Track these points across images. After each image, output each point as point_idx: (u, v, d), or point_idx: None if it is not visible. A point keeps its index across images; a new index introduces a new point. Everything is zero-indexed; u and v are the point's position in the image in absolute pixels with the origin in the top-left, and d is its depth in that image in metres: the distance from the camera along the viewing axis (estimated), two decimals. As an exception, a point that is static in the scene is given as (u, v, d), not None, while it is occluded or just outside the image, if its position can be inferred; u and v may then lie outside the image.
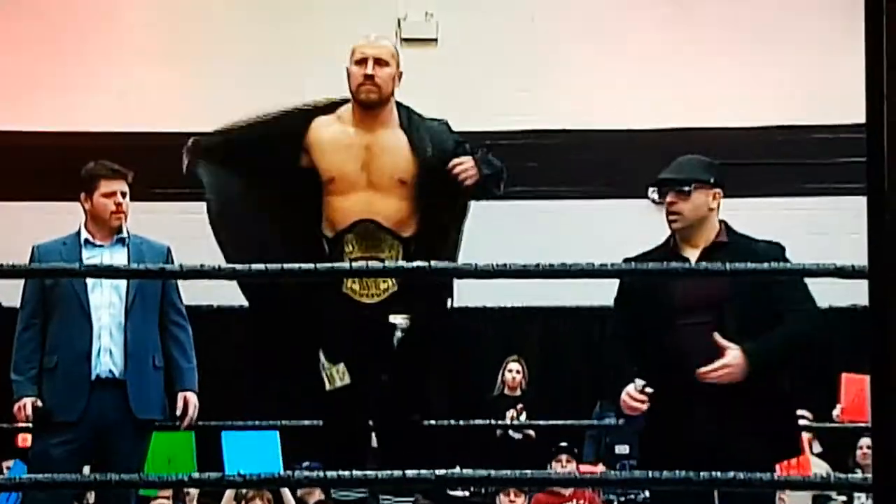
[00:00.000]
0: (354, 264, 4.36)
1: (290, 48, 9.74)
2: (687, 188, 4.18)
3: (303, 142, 4.84)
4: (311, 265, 3.68)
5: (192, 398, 5.13)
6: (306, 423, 5.34)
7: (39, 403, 4.95)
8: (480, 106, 9.46)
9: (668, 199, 4.22)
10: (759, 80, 9.73)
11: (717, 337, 3.99)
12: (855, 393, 7.01)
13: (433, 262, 3.79)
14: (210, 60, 9.74)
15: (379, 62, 4.78)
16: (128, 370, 4.99)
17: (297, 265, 3.67)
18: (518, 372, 9.20)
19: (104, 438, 4.96)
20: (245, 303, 6.39)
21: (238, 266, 3.76)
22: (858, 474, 7.21)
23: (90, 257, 5.07)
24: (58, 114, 9.56)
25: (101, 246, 5.11)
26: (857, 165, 9.10)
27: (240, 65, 9.72)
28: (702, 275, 4.02)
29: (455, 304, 5.75)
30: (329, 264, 4.53)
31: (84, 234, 5.12)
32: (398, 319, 4.70)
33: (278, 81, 9.59)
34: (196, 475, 4.46)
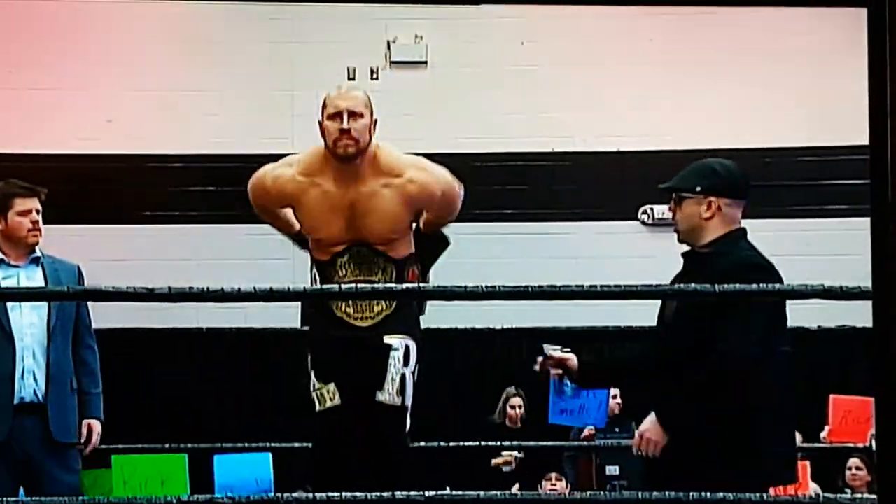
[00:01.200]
0: (344, 286, 4.33)
1: (280, 71, 9.74)
2: (676, 196, 4.13)
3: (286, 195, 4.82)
4: (301, 287, 3.68)
5: (97, 426, 5.10)
6: (297, 445, 5.34)
7: None
8: (470, 128, 9.47)
9: (671, 207, 4.18)
10: (755, 101, 9.75)
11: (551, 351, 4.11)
12: (843, 415, 6.98)
13: (423, 285, 3.80)
14: (200, 85, 9.73)
15: (353, 115, 4.71)
16: (49, 394, 4.94)
17: (287, 286, 3.66)
18: (520, 407, 9.16)
19: (30, 463, 4.91)
20: (232, 325, 6.38)
21: (224, 287, 3.69)
22: (847, 495, 7.20)
23: (6, 278, 5.00)
24: (47, 136, 9.54)
25: (16, 266, 5.05)
26: (849, 186, 9.07)
27: (231, 90, 9.72)
28: (684, 296, 3.97)
29: (445, 326, 5.77)
30: (319, 286, 4.54)
31: None
32: (394, 340, 4.69)
33: (268, 105, 9.61)
34: (185, 497, 4.43)
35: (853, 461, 8.19)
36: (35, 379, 4.94)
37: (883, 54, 1.72)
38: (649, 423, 3.93)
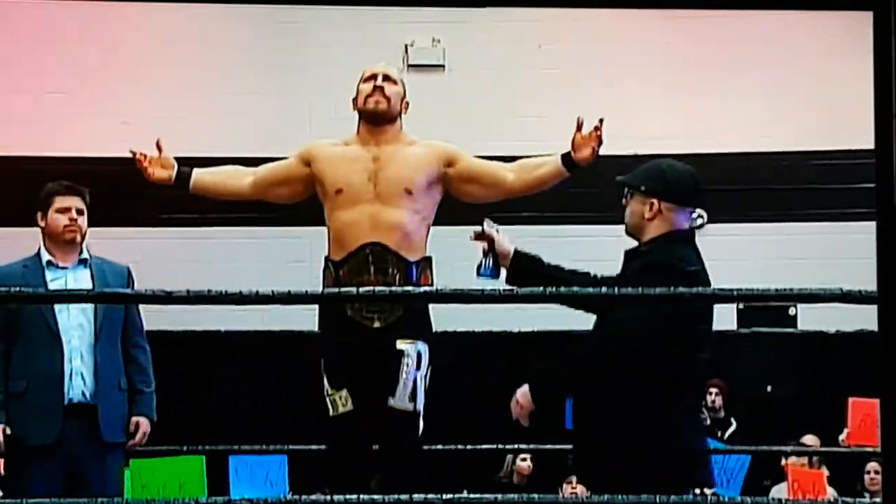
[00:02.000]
0: (361, 289, 4.32)
1: (297, 75, 9.75)
2: (627, 191, 4.14)
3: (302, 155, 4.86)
4: (317, 290, 3.66)
5: (144, 424, 5.10)
6: (313, 447, 5.34)
7: (8, 431, 4.88)
8: (487, 131, 9.45)
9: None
10: (764, 104, 9.73)
11: None
12: (862, 417, 6.96)
13: (439, 287, 3.79)
14: (218, 89, 9.75)
15: (388, 79, 4.81)
16: (98, 394, 4.96)
17: (301, 290, 3.65)
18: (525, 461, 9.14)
19: (78, 463, 4.92)
20: (250, 327, 6.38)
21: (242, 290, 3.66)
22: (866, 499, 7.17)
23: (54, 280, 5.03)
24: (64, 139, 9.57)
25: (63, 268, 5.07)
26: (852, 191, 9.04)
27: (248, 94, 9.73)
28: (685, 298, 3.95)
29: (463, 329, 5.77)
30: (335, 289, 4.53)
31: (45, 256, 5.09)
32: (406, 345, 4.67)
33: (285, 108, 9.62)
34: (203, 499, 4.44)
35: (872, 465, 8.14)
36: (83, 380, 4.96)
37: (888, 56, 1.72)
38: (522, 388, 3.98)
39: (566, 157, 4.85)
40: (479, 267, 4.35)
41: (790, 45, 9.71)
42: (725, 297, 3.79)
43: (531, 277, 4.28)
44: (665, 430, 3.91)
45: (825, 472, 8.39)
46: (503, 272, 4.35)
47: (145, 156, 4.97)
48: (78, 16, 9.60)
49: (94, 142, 9.40)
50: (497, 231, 4.34)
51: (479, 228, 4.32)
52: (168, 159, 4.98)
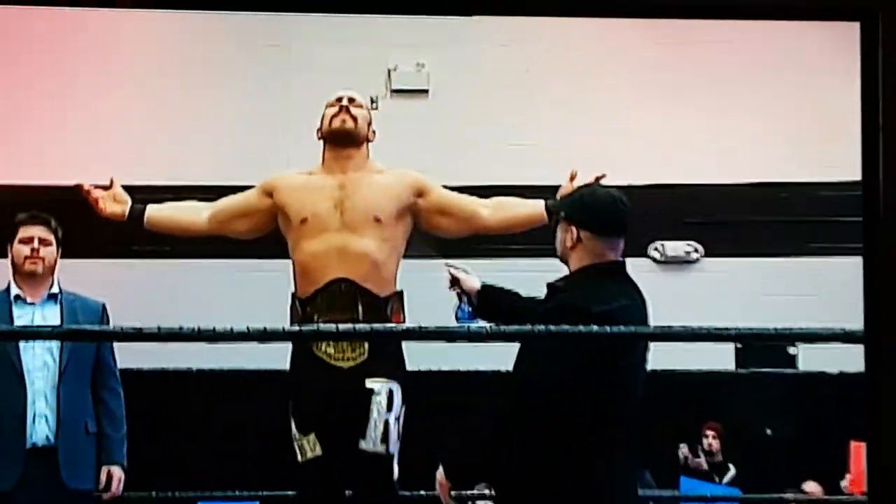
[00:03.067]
0: (328, 326, 4.29)
1: (276, 100, 9.72)
2: (555, 219, 4.12)
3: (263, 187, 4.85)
4: (281, 327, 3.61)
5: (117, 472, 5.05)
6: (287, 493, 5.28)
7: None
8: (472, 159, 9.44)
9: None
10: (772, 133, 9.73)
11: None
12: (864, 461, 6.94)
13: (417, 324, 3.75)
14: (191, 111, 9.72)
15: (353, 101, 4.82)
16: (60, 437, 4.89)
17: (277, 327, 3.61)
18: None
19: None
20: (227, 365, 6.33)
21: (202, 326, 3.60)
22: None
23: (20, 316, 4.99)
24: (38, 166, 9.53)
25: (31, 304, 5.02)
26: (839, 224, 8.97)
27: (222, 116, 9.70)
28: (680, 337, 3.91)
29: (448, 367, 5.73)
30: (299, 327, 4.49)
31: (14, 290, 5.03)
32: (376, 384, 4.62)
33: (263, 134, 9.59)
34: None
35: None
36: (48, 423, 4.89)
37: (875, 68, 1.73)
38: (439, 470, 3.91)
39: (550, 206, 4.79)
40: (456, 312, 4.38)
41: (776, 76, 9.73)
42: (721, 335, 3.76)
43: (498, 312, 4.29)
44: (584, 481, 3.78)
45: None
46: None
47: (95, 189, 4.91)
48: (57, 38, 9.56)
49: (68, 168, 9.33)
50: (463, 271, 4.38)
51: (447, 274, 4.37)
52: (121, 194, 4.94)
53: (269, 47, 9.75)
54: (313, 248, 4.69)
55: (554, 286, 3.99)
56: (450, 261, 4.42)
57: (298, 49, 9.73)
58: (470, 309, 4.39)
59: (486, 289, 4.40)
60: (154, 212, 4.94)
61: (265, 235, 4.99)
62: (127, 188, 5.05)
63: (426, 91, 9.82)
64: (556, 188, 4.75)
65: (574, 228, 3.95)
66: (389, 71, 9.80)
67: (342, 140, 4.77)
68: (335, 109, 4.81)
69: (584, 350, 3.74)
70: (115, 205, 4.93)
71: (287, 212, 4.77)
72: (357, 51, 9.67)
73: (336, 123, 4.77)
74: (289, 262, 4.83)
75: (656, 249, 9.58)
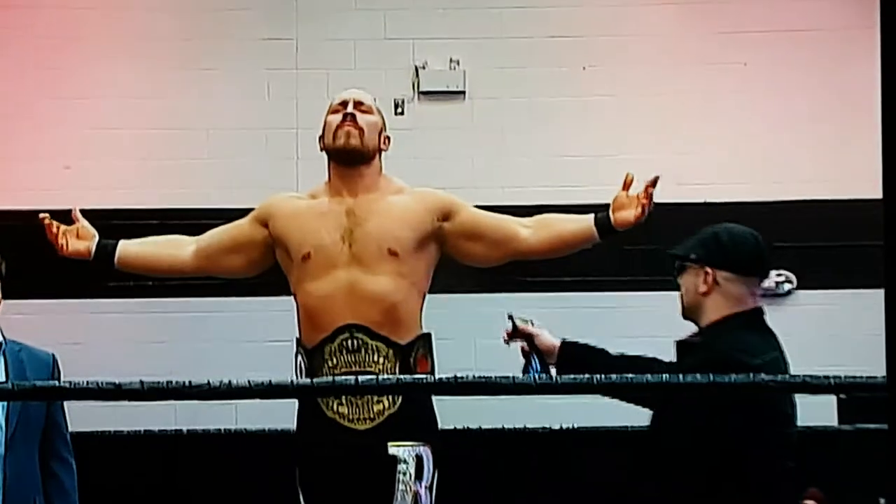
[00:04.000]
0: (339, 379, 4.26)
1: (281, 106, 9.70)
2: (678, 265, 4.24)
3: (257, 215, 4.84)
4: (287, 381, 3.59)
5: None
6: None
7: None
8: (519, 175, 9.40)
9: None
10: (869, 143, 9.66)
11: None
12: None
13: (452, 375, 3.67)
14: (178, 121, 9.71)
15: (360, 106, 4.80)
16: None
17: (284, 380, 3.58)
18: None
19: None
20: (219, 425, 6.30)
21: (210, 380, 3.61)
22: None
23: None
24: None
25: None
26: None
27: (217, 127, 9.69)
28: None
29: (488, 426, 5.68)
30: (308, 380, 4.47)
31: None
32: (400, 450, 4.58)
33: (265, 148, 9.58)
34: None
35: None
36: None
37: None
38: None
39: (602, 219, 4.77)
40: (524, 370, 4.36)
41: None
42: (817, 386, 3.72)
43: (582, 371, 4.30)
44: None
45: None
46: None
47: (57, 226, 4.92)
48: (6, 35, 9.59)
49: (28, 190, 9.37)
50: (532, 324, 4.40)
51: (508, 325, 4.36)
52: (86, 229, 4.95)
53: (269, 41, 9.73)
54: (318, 289, 4.68)
55: (689, 343, 4.12)
56: (514, 311, 4.41)
57: (304, 44, 9.72)
58: (541, 370, 4.39)
59: (568, 347, 4.42)
60: (127, 248, 4.95)
61: (264, 272, 4.97)
62: (91, 212, 5.04)
63: (462, 93, 9.80)
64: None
65: (709, 271, 4.10)
66: (417, 69, 9.78)
67: (348, 158, 4.76)
68: (338, 118, 4.79)
69: (752, 409, 3.90)
70: (79, 242, 4.94)
71: (286, 245, 4.76)
72: (376, 45, 9.65)
73: (340, 139, 4.77)
74: (293, 300, 4.81)
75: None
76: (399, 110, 9.63)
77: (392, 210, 4.72)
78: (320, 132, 4.85)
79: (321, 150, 4.85)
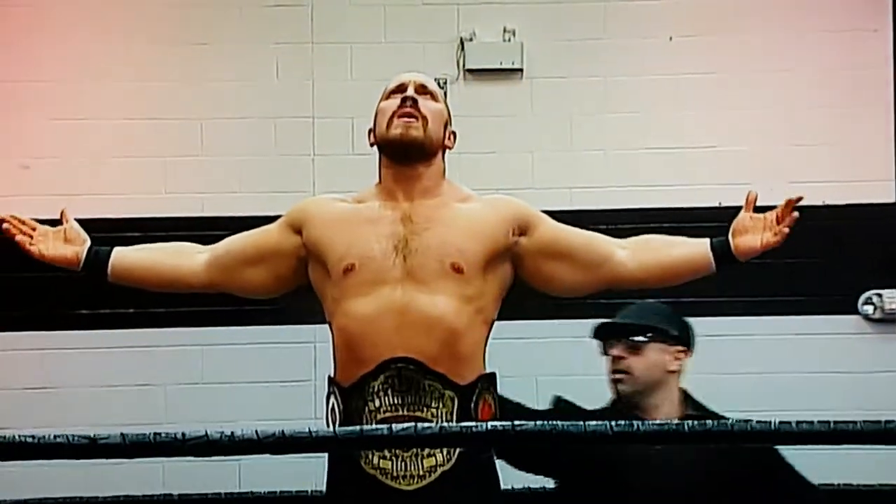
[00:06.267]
0: (380, 428, 4.28)
1: (295, 88, 9.76)
2: (639, 339, 4.50)
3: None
4: (304, 430, 3.61)
5: None
6: None
7: None
8: (589, 171, 9.42)
9: (615, 351, 4.59)
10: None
11: None
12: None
13: (510, 423, 3.68)
14: (171, 112, 9.77)
15: (424, 91, 4.83)
16: None
17: (302, 430, 3.60)
18: None
19: None
20: (218, 488, 6.34)
21: (209, 432, 3.63)
22: None
23: None
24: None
25: None
26: None
27: (217, 117, 9.75)
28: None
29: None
30: (347, 428, 4.48)
31: None
32: None
33: (274, 143, 9.63)
34: None
35: None
36: None
37: None
38: None
39: (720, 246, 4.72)
40: None
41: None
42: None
43: None
44: None
45: None
46: None
47: (21, 221, 4.94)
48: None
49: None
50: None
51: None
52: (75, 230, 4.97)
53: (285, 7, 9.78)
54: (361, 309, 4.68)
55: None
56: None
57: (323, 13, 9.77)
58: None
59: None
60: (125, 256, 4.98)
61: (289, 293, 4.99)
62: (58, 222, 5.05)
63: (518, 71, 9.84)
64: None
65: (683, 349, 4.65)
66: (462, 41, 9.82)
67: (407, 154, 4.78)
68: (395, 104, 4.82)
69: None
70: (66, 246, 4.95)
71: (324, 256, 4.78)
72: (412, 13, 9.70)
73: (396, 129, 4.79)
74: (325, 330, 4.81)
75: (870, 302, 9.50)
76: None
77: (458, 218, 4.71)
78: (371, 124, 4.86)
79: (371, 144, 4.87)
